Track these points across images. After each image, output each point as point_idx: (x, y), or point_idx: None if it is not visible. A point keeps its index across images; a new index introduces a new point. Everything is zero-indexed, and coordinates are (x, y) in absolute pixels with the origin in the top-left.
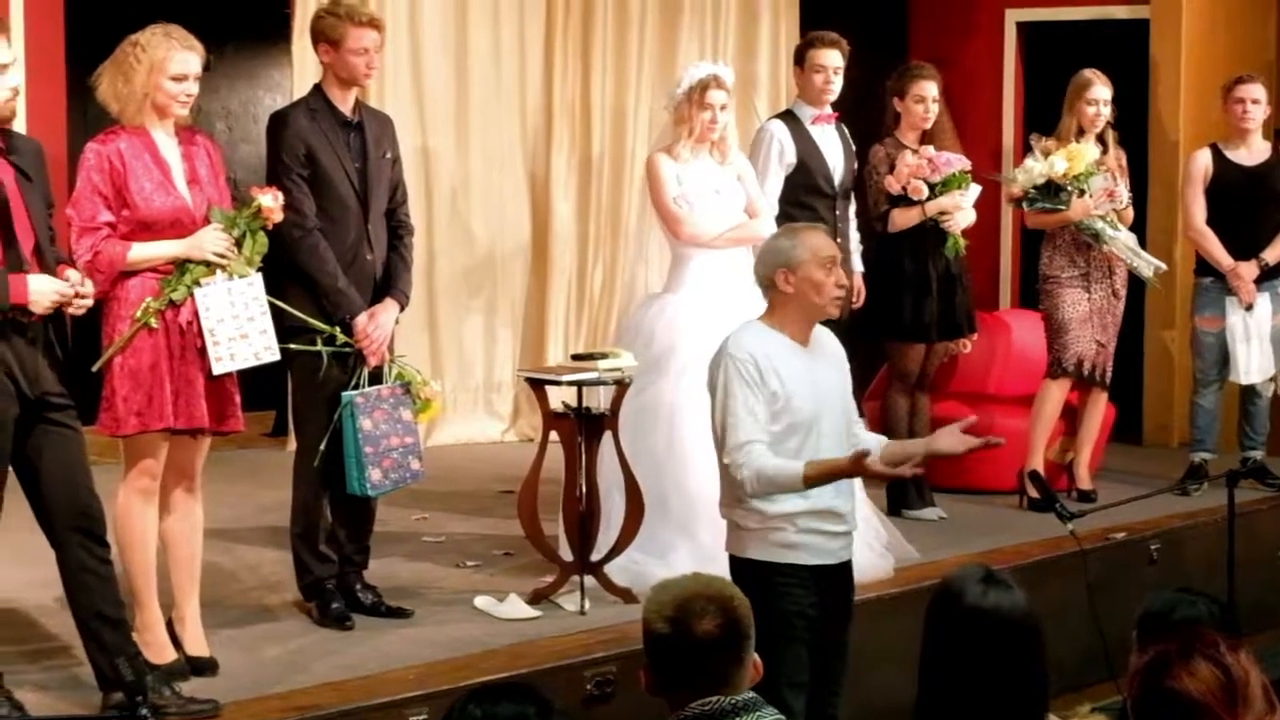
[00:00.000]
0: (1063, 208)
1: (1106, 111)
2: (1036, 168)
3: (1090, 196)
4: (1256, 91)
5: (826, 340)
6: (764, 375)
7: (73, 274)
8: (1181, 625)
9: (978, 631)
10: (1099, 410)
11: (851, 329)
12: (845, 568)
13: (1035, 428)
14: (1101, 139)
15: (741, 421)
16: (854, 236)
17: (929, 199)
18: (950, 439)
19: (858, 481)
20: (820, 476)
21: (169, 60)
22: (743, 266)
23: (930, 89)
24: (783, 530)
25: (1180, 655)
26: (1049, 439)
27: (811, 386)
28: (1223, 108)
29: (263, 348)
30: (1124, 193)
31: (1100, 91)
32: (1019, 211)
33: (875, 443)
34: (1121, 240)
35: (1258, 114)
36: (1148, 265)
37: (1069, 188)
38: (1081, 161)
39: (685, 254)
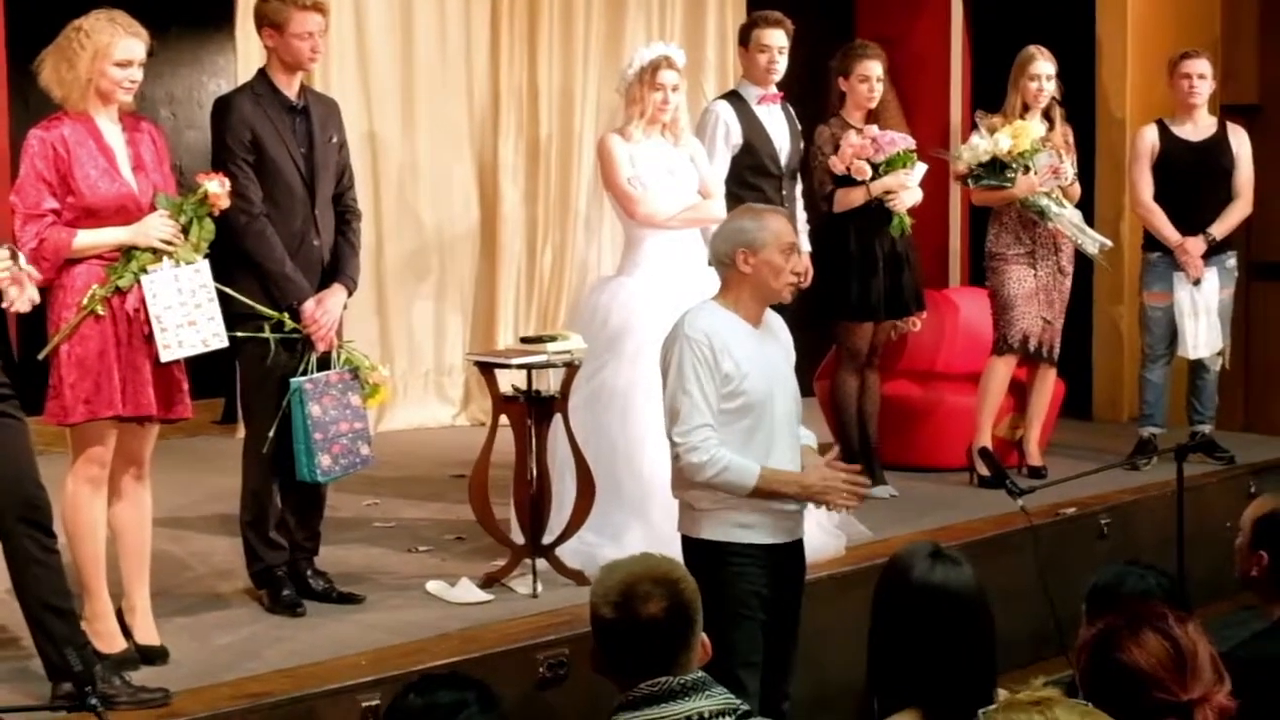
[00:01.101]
0: (1008, 185)
1: (1050, 87)
2: (981, 145)
3: (1035, 173)
4: (1202, 67)
5: (776, 324)
6: (718, 356)
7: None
8: (1130, 598)
9: (925, 607)
10: (1048, 386)
11: (799, 309)
12: (797, 546)
13: (982, 405)
14: (1048, 115)
15: (696, 404)
16: (801, 217)
17: (873, 178)
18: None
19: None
20: (768, 492)
21: (113, 46)
22: (695, 249)
23: (875, 68)
24: (735, 510)
25: (1129, 627)
26: (997, 415)
27: (764, 367)
28: (1169, 83)
29: (211, 334)
30: (1069, 169)
31: (1043, 67)
32: (968, 189)
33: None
34: (1067, 217)
35: (1204, 89)
36: (1093, 242)
37: (1014, 165)
38: (1026, 138)
39: (638, 236)
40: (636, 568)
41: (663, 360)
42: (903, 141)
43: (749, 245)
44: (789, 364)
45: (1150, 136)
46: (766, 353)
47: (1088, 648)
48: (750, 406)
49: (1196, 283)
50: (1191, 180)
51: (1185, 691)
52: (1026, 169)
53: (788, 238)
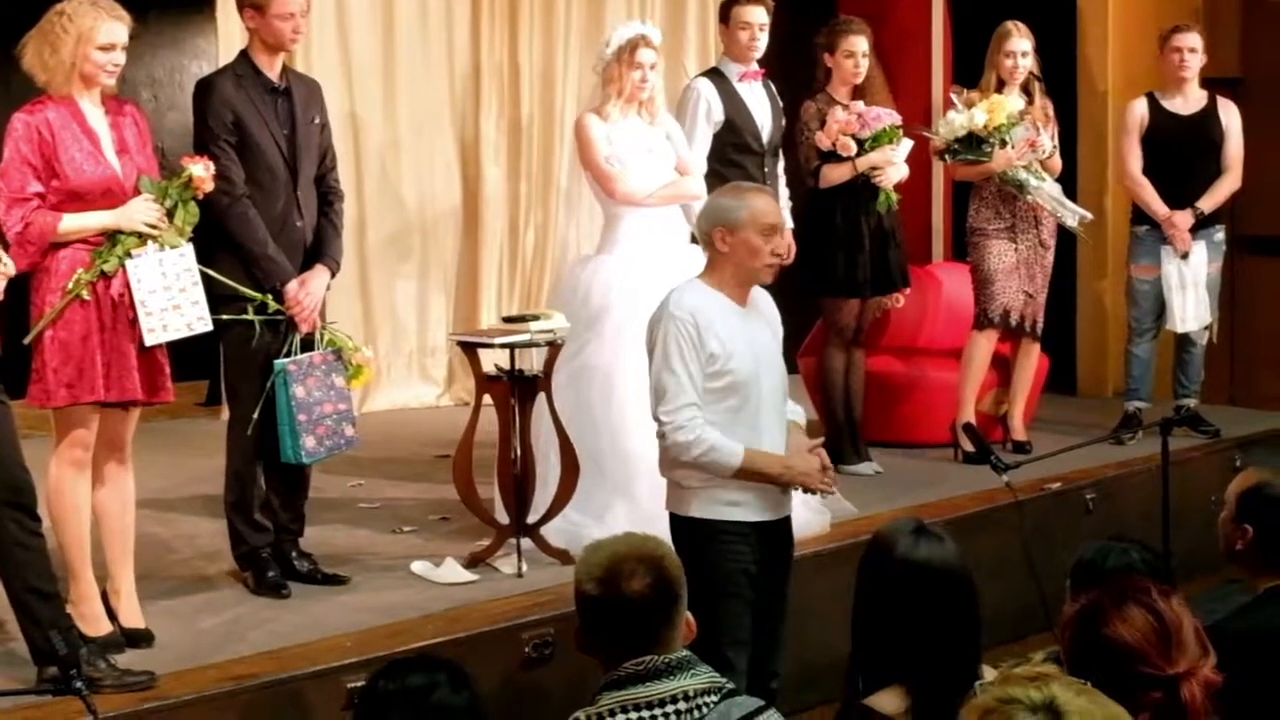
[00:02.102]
0: (985, 159)
1: (1026, 63)
2: (957, 120)
3: (1012, 147)
4: (1193, 40)
5: (763, 301)
6: (703, 334)
7: None
8: (1114, 573)
9: (909, 583)
10: (1031, 361)
11: (783, 286)
12: (784, 523)
13: (965, 380)
14: (1027, 89)
15: (681, 384)
16: (783, 193)
17: (859, 154)
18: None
19: None
20: (751, 472)
21: (96, 30)
22: (675, 226)
23: (860, 44)
24: (723, 488)
25: (1113, 602)
26: (981, 390)
27: (750, 346)
28: (1159, 57)
29: (195, 318)
30: (1046, 142)
31: (1019, 43)
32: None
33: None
34: (1046, 190)
35: (1194, 63)
36: (1072, 215)
37: (990, 139)
38: (1002, 113)
39: (618, 214)
40: (620, 546)
41: (649, 338)
42: (888, 117)
43: (727, 224)
44: (776, 342)
45: (1140, 109)
46: (752, 331)
47: (1072, 623)
48: (736, 386)
49: (1184, 256)
50: (1181, 154)
51: (1170, 665)
52: (1003, 143)
53: (768, 218)
